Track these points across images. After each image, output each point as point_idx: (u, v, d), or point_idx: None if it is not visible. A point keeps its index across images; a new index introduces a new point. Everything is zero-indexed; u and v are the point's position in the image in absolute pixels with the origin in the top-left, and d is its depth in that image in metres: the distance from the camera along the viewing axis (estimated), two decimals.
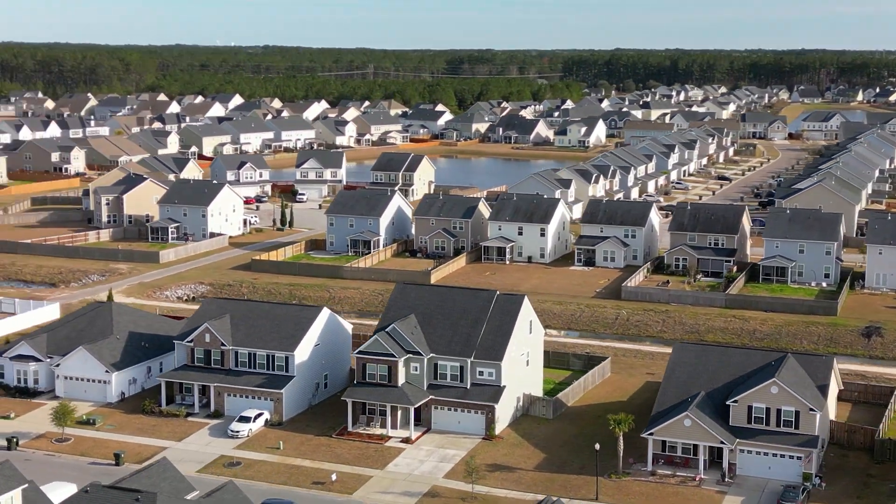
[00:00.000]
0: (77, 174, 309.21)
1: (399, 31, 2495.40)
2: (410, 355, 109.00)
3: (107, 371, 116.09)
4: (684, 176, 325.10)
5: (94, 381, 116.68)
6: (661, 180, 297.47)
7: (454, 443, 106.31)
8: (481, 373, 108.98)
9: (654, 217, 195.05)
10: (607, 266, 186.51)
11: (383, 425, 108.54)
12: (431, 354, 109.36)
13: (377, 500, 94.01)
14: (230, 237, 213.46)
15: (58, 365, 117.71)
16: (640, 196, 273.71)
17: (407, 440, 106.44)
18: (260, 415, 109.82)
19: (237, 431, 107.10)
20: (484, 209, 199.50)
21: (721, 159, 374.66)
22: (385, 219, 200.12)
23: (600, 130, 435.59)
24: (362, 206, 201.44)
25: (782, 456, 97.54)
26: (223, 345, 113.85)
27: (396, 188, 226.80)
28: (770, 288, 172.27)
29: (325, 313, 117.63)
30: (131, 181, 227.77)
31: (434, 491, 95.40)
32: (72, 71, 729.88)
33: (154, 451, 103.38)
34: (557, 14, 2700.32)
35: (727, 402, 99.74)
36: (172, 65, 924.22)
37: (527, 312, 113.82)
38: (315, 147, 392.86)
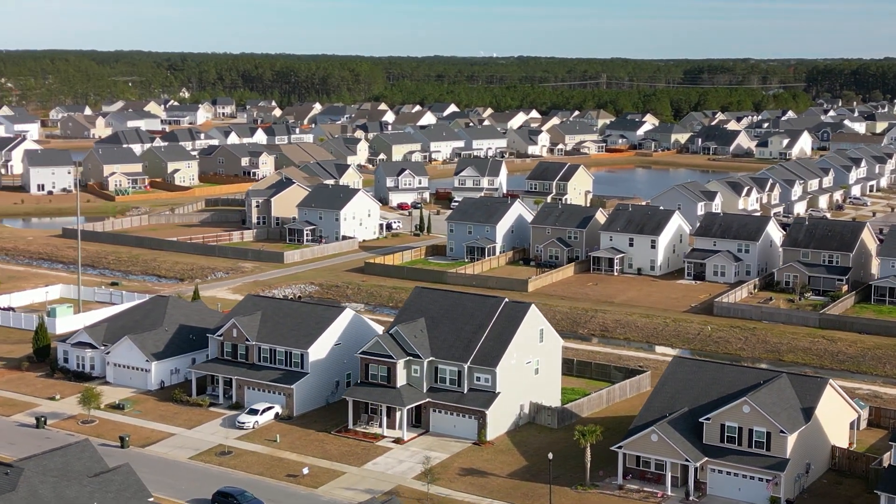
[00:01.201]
0: (264, 178, 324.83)
1: (642, 41, 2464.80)
2: (410, 358, 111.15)
3: (147, 360, 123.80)
4: (871, 191, 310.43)
5: (136, 368, 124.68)
6: (838, 195, 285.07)
7: (444, 446, 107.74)
8: (478, 378, 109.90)
9: (774, 232, 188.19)
10: (716, 281, 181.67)
11: (381, 425, 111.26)
12: (431, 358, 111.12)
13: (337, 495, 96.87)
14: (363, 240, 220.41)
15: (108, 353, 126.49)
16: (806, 210, 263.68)
17: (399, 440, 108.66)
18: (269, 408, 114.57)
19: (243, 423, 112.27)
20: (601, 219, 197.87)
21: None
22: (503, 227, 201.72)
23: (805, 142, 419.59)
24: (481, 213, 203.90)
25: (751, 477, 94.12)
26: (247, 340, 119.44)
27: (519, 198, 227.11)
28: (879, 309, 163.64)
29: (348, 314, 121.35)
30: (281, 185, 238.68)
31: (395, 490, 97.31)
32: (305, 81, 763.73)
33: (161, 437, 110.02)
34: (807, 21, 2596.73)
35: (700, 420, 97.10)
36: (409, 76, 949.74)
37: (534, 320, 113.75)
38: (506, 156, 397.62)
